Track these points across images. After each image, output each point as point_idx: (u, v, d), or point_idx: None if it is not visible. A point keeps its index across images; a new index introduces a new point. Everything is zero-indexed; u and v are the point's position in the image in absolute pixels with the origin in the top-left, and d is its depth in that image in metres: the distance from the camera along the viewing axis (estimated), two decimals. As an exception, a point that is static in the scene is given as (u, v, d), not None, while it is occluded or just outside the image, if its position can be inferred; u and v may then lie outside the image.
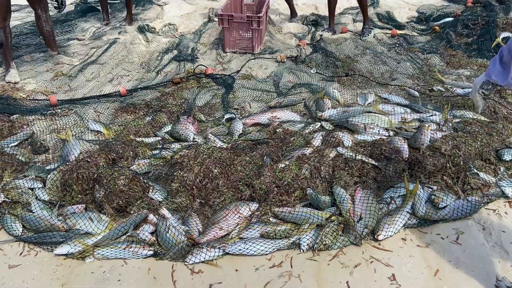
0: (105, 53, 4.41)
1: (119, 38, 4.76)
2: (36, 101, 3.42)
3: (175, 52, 4.41)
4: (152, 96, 3.50)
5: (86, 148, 2.76)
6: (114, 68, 4.10)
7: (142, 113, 3.24)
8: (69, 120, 3.16)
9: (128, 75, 3.98)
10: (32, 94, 3.57)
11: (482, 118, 2.93)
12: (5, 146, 2.82)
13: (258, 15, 4.15)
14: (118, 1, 6.01)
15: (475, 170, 2.44)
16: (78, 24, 5.22)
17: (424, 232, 2.16)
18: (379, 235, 2.09)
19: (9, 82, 3.68)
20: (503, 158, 2.58)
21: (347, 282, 1.90)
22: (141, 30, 4.98)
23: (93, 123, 3.09)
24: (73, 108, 3.33)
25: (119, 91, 3.53)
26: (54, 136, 2.97)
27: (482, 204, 2.29)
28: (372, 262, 2.00)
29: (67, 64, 4.14)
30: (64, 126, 3.09)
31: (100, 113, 3.29)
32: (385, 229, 2.11)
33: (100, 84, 3.79)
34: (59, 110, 3.30)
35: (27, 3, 5.25)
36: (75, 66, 4.12)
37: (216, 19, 5.19)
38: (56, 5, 4.13)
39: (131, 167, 2.49)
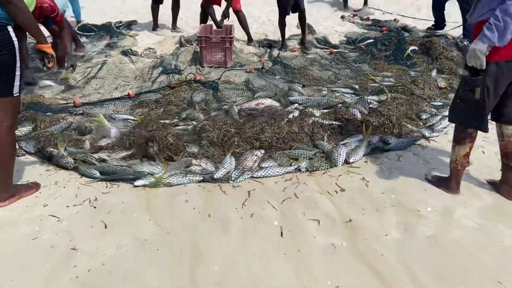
0: (100, 71, 5.21)
1: (107, 60, 5.59)
2: (64, 103, 4.16)
3: (161, 68, 5.33)
4: (156, 97, 4.39)
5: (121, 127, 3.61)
6: (114, 80, 4.92)
7: (154, 107, 4.12)
8: (96, 115, 3.94)
9: (128, 85, 4.82)
10: (54, 101, 4.30)
11: (404, 96, 4.21)
12: (54, 131, 3.56)
13: (230, 36, 5.26)
14: (93, 33, 6.82)
15: (404, 123, 3.65)
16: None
17: (378, 157, 3.28)
18: (350, 159, 3.18)
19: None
20: (421, 118, 3.84)
21: (335, 183, 2.94)
22: (125, 53, 5.84)
23: (118, 115, 3.91)
24: (95, 108, 4.11)
25: (129, 94, 4.38)
26: (90, 124, 3.74)
27: (412, 142, 3.49)
28: (348, 173, 3.07)
29: (72, 79, 4.90)
30: (95, 116, 3.86)
31: (119, 111, 4.09)
32: (353, 156, 3.20)
33: (108, 92, 4.60)
34: (85, 109, 4.06)
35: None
36: (79, 80, 4.89)
37: (187, 44, 6.24)
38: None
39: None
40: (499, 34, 2.20)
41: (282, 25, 6.13)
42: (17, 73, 2.46)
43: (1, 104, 2.45)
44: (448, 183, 2.84)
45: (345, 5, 8.55)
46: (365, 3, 8.54)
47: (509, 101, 2.59)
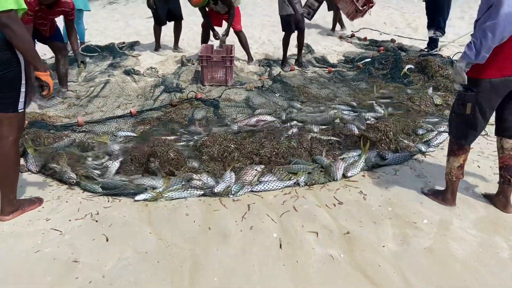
0: (103, 90, 5.32)
1: (110, 79, 5.70)
2: (67, 122, 4.23)
3: (163, 87, 5.43)
4: (158, 115, 4.47)
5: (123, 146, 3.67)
6: (117, 99, 5.02)
7: (156, 124, 4.20)
8: (99, 132, 4.02)
9: (131, 103, 4.92)
10: (57, 119, 4.38)
11: (401, 111, 4.29)
12: (57, 148, 3.62)
13: (230, 55, 5.39)
14: (97, 53, 6.96)
15: (401, 138, 3.72)
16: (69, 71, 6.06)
17: (375, 172, 3.34)
18: (348, 173, 3.24)
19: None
20: (418, 133, 3.90)
21: (334, 196, 2.99)
22: (128, 73, 5.96)
23: (120, 132, 3.98)
24: (97, 125, 4.19)
25: (131, 112, 4.46)
26: (92, 141, 3.81)
27: (409, 157, 3.55)
28: (346, 187, 3.12)
29: (75, 98, 5.00)
30: (97, 135, 3.94)
31: (121, 128, 4.17)
32: (351, 170, 3.26)
33: (111, 110, 4.69)
34: (88, 127, 4.14)
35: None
36: (83, 99, 4.99)
37: (189, 63, 6.37)
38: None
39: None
40: (476, 51, 2.37)
41: (286, 42, 6.26)
42: (23, 89, 2.54)
43: (6, 120, 2.53)
44: (444, 195, 2.89)
45: (341, 25, 8.69)
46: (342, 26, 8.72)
47: (510, 116, 2.68)
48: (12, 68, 2.45)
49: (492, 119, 2.76)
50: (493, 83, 2.50)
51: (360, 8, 7.38)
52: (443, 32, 6.74)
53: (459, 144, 2.72)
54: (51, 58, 6.04)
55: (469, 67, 2.48)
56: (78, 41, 7.25)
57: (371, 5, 7.43)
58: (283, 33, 6.19)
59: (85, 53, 6.83)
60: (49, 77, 2.60)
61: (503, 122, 2.72)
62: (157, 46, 7.18)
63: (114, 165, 3.29)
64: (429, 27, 6.78)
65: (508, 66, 2.46)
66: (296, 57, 6.68)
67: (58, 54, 4.86)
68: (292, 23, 5.97)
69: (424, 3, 6.88)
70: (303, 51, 6.59)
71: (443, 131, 3.87)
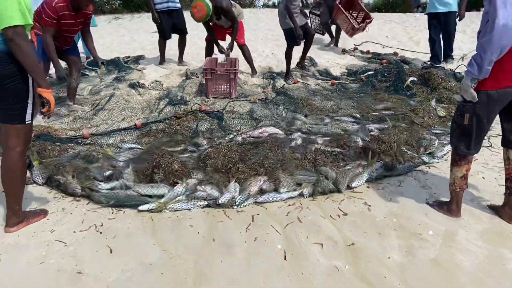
0: (108, 103, 5.36)
1: (115, 93, 5.75)
2: (72, 135, 4.26)
3: (167, 99, 5.47)
4: (162, 126, 4.50)
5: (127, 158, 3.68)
6: (122, 111, 5.06)
7: (160, 136, 4.22)
8: (104, 145, 4.04)
9: (135, 115, 4.95)
10: (62, 132, 4.41)
11: (403, 124, 4.30)
12: (62, 160, 3.65)
13: (234, 68, 5.43)
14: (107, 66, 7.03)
15: (405, 150, 3.72)
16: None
17: (380, 183, 3.33)
18: (352, 184, 3.23)
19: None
20: (422, 144, 3.90)
21: (338, 207, 2.98)
22: (133, 86, 6.02)
23: (125, 144, 4.00)
24: (102, 137, 4.21)
25: (135, 124, 4.49)
26: (96, 154, 3.83)
27: (413, 168, 3.54)
28: (351, 198, 3.11)
29: (81, 111, 5.04)
30: (102, 147, 3.96)
31: (126, 140, 4.19)
32: (356, 181, 3.26)
33: (116, 122, 4.72)
34: (93, 139, 4.17)
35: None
36: (88, 111, 5.03)
37: (193, 76, 6.42)
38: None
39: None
40: (478, 67, 2.42)
41: (289, 55, 6.31)
42: (30, 101, 2.57)
43: (14, 131, 2.55)
44: (449, 206, 2.87)
45: (329, 40, 8.78)
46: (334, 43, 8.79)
47: None
48: (20, 80, 2.48)
49: (499, 130, 2.76)
50: (490, 94, 2.52)
51: (356, 26, 7.52)
52: (452, 57, 6.92)
53: (460, 154, 2.73)
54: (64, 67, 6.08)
55: (475, 83, 2.51)
56: (84, 54, 7.38)
57: (368, 21, 7.55)
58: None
59: (91, 67, 6.91)
60: (51, 95, 2.59)
61: (509, 133, 2.72)
62: (162, 60, 7.26)
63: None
64: (432, 47, 6.90)
65: (505, 78, 2.48)
66: (299, 70, 6.75)
67: (73, 68, 4.93)
68: (295, 36, 6.02)
69: (426, 16, 6.96)
70: (306, 63, 6.64)
71: (447, 143, 3.87)
